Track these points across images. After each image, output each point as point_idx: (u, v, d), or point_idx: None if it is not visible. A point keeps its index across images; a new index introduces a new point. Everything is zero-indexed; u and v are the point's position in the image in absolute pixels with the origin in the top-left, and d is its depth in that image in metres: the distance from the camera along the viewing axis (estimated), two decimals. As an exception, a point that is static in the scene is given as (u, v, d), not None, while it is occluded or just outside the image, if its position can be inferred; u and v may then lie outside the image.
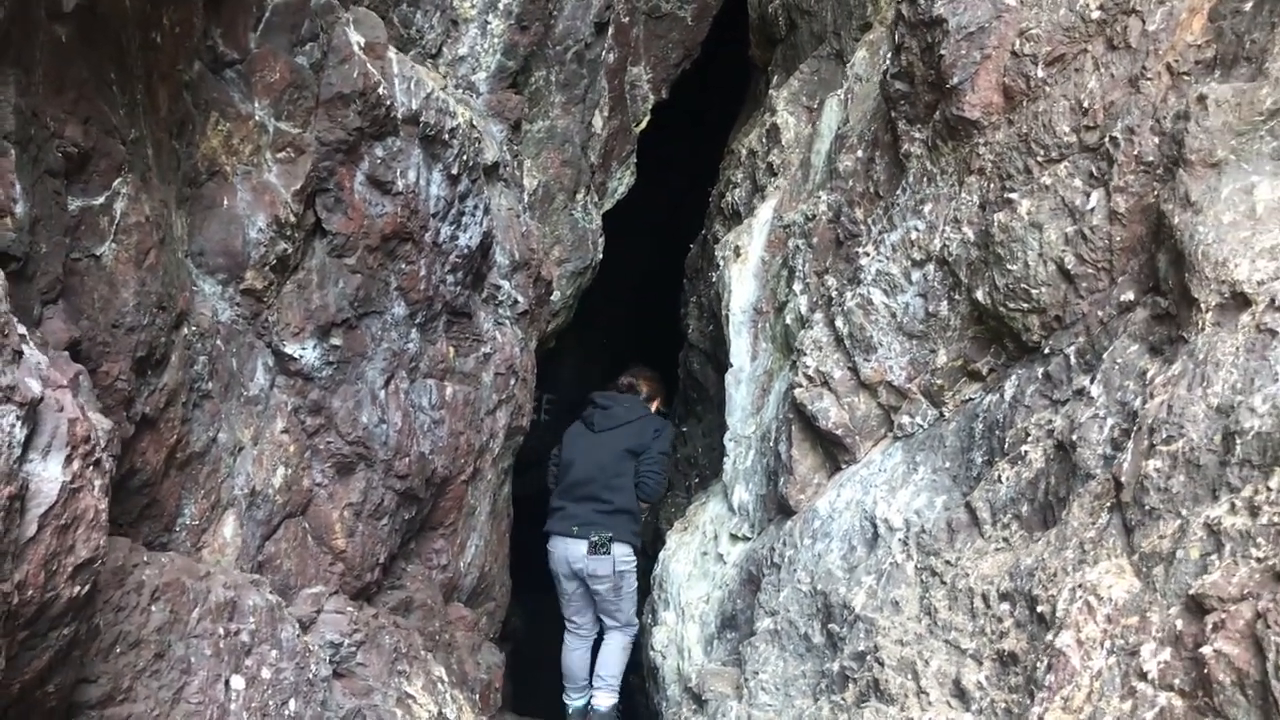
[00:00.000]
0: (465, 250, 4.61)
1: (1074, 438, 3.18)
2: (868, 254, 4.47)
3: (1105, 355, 3.22)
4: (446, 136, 4.28)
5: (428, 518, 4.77)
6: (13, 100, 1.87)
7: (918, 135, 4.25)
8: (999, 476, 3.58)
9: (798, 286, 5.14)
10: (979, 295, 3.87)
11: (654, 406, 6.44)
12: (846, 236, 4.77)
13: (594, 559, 5.82)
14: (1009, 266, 3.70)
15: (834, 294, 4.69)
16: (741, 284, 5.80)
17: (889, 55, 4.29)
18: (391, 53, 3.97)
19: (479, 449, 5.09)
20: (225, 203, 3.30)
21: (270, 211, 3.40)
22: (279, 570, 3.56)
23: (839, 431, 4.49)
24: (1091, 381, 3.23)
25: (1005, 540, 3.45)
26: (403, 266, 4.18)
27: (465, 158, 4.47)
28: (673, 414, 8.54)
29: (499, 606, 5.94)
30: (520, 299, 5.40)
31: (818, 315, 4.80)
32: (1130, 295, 3.29)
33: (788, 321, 5.20)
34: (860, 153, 4.85)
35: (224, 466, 3.22)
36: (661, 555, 6.02)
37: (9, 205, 1.87)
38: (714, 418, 7.51)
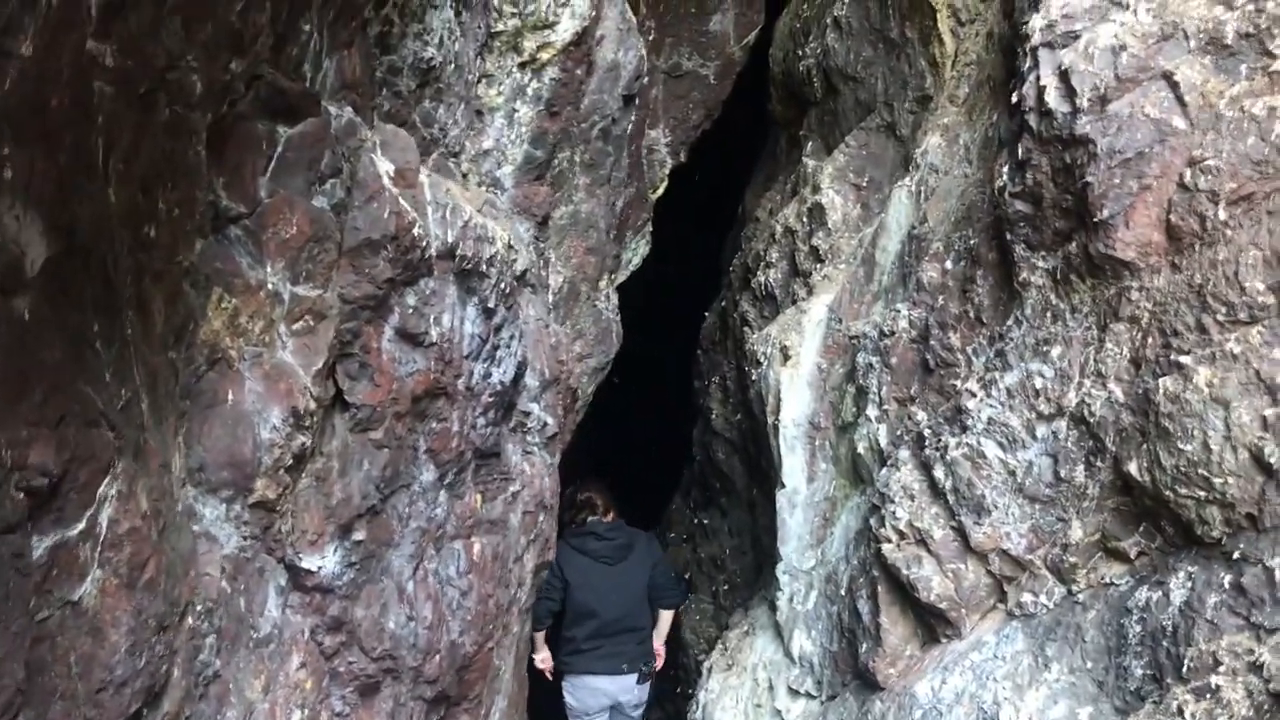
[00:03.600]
0: (499, 387, 3.91)
1: (1311, 698, 2.55)
2: (972, 393, 3.81)
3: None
4: (484, 267, 3.57)
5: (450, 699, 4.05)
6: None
7: (1040, 264, 3.59)
8: (1180, 709, 2.94)
9: (872, 411, 4.47)
10: (1131, 468, 3.23)
11: None
12: (939, 364, 4.10)
13: (641, 687, 5.78)
14: (1181, 445, 3.05)
15: (926, 432, 4.03)
16: (794, 393, 5.11)
17: (1007, 170, 3.62)
18: (424, 177, 3.25)
19: (507, 605, 4.38)
20: (230, 398, 2.57)
21: (286, 403, 2.67)
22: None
23: (943, 605, 3.83)
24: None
25: (1198, 797, 2.81)
26: (433, 426, 3.47)
27: (503, 284, 3.76)
28: (688, 499, 7.87)
29: (515, 760, 5.22)
30: (549, 421, 4.69)
31: (904, 454, 4.14)
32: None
33: (859, 449, 4.54)
34: (949, 264, 4.19)
35: (232, 750, 2.50)
36: (702, 697, 5.34)
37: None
38: (742, 515, 6.87)
